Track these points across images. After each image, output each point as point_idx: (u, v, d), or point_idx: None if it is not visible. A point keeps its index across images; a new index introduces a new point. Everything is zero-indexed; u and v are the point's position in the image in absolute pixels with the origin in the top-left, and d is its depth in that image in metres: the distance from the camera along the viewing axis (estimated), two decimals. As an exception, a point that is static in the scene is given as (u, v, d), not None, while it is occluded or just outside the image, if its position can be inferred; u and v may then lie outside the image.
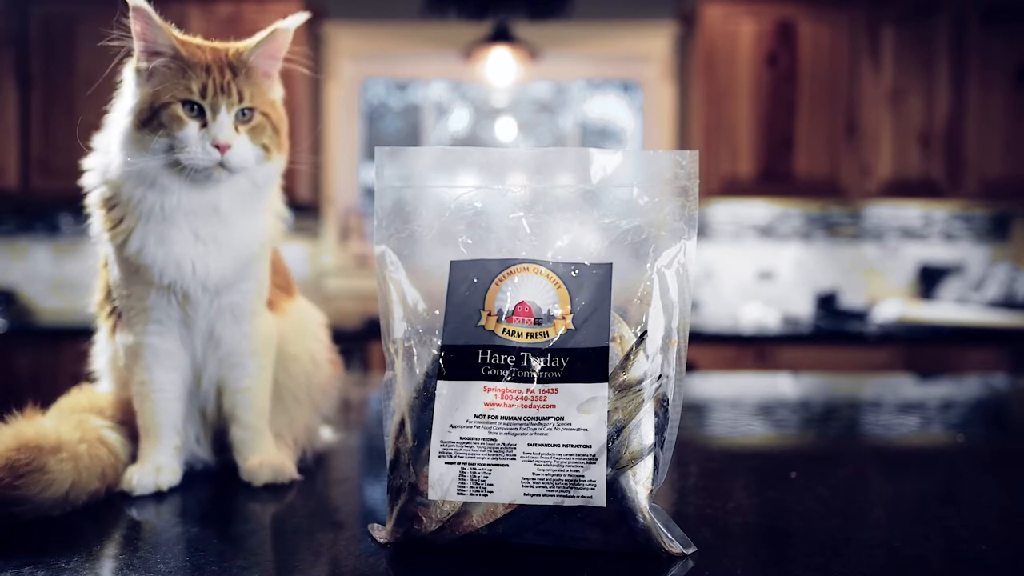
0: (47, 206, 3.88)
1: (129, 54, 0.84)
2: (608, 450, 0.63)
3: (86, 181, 0.87)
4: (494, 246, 0.70)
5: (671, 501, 0.81)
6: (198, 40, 0.85)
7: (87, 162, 0.88)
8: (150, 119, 0.81)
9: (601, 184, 0.70)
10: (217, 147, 0.80)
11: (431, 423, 0.65)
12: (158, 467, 0.84)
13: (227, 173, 0.82)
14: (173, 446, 0.87)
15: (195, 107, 0.81)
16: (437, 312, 0.68)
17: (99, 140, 0.87)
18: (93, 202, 0.87)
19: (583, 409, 0.64)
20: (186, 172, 0.81)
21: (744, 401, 1.52)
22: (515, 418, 0.64)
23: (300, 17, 0.86)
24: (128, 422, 0.90)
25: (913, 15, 3.55)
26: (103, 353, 0.95)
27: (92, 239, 0.88)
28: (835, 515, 0.79)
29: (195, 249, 0.84)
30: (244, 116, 0.83)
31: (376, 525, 0.68)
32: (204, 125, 0.81)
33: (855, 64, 3.54)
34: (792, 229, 3.94)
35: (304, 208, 3.72)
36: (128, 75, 0.84)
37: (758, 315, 3.60)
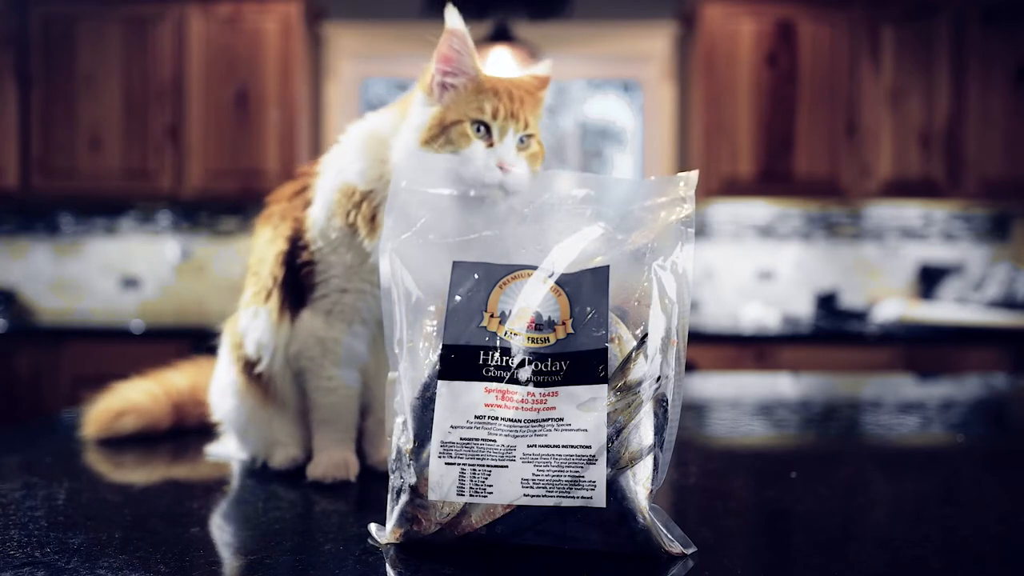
0: (47, 206, 3.87)
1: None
2: (608, 451, 0.63)
3: (330, 181, 0.90)
4: (498, 251, 0.70)
5: (671, 501, 0.81)
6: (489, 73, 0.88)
7: (330, 163, 0.90)
8: (437, 135, 0.83)
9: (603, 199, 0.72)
10: (500, 168, 0.82)
11: (432, 423, 0.65)
12: (347, 462, 0.89)
13: (502, 195, 0.82)
14: (352, 439, 0.93)
15: (481, 128, 0.83)
16: (440, 314, 0.69)
17: (351, 144, 0.90)
18: (333, 198, 0.89)
19: (583, 409, 0.64)
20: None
21: (744, 401, 1.52)
22: (515, 420, 0.64)
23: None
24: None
25: (913, 15, 3.55)
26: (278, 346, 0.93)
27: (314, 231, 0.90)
28: (835, 515, 0.79)
29: None
30: (523, 143, 0.85)
31: (376, 526, 0.68)
32: (490, 145, 0.83)
33: (855, 64, 3.54)
34: (792, 229, 3.94)
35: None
36: (418, 94, 0.86)
37: (758, 315, 3.60)
